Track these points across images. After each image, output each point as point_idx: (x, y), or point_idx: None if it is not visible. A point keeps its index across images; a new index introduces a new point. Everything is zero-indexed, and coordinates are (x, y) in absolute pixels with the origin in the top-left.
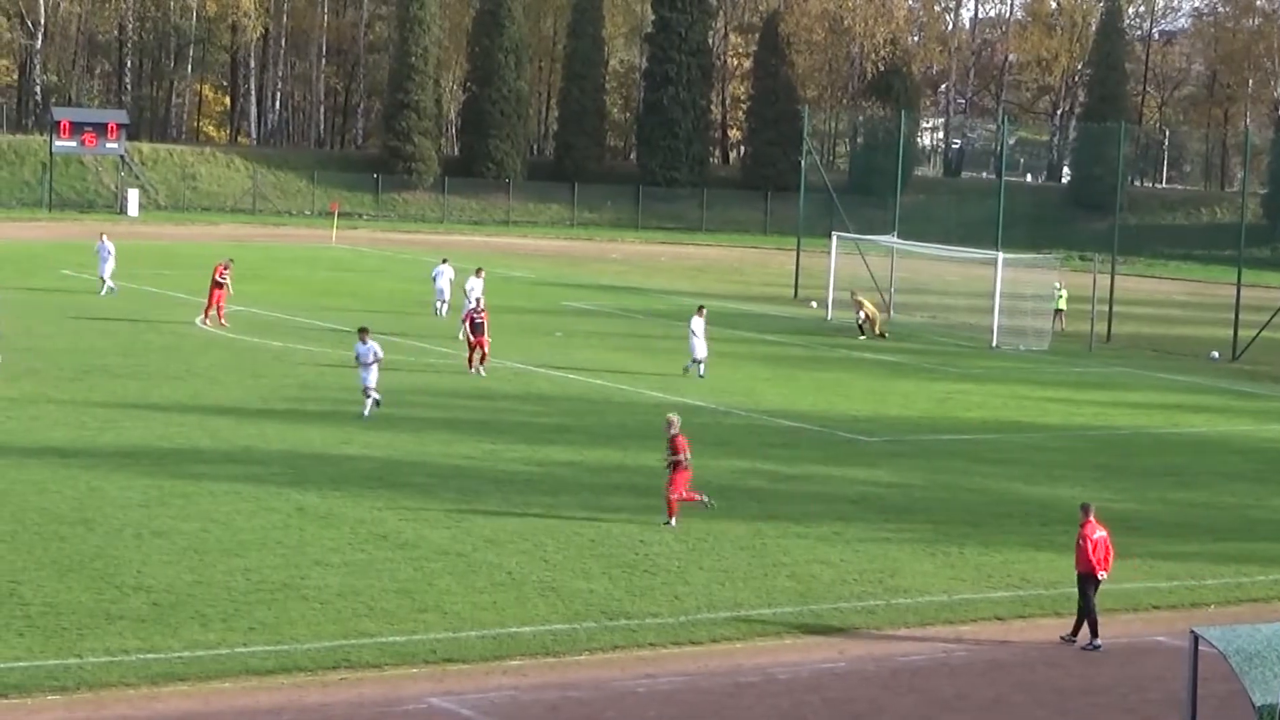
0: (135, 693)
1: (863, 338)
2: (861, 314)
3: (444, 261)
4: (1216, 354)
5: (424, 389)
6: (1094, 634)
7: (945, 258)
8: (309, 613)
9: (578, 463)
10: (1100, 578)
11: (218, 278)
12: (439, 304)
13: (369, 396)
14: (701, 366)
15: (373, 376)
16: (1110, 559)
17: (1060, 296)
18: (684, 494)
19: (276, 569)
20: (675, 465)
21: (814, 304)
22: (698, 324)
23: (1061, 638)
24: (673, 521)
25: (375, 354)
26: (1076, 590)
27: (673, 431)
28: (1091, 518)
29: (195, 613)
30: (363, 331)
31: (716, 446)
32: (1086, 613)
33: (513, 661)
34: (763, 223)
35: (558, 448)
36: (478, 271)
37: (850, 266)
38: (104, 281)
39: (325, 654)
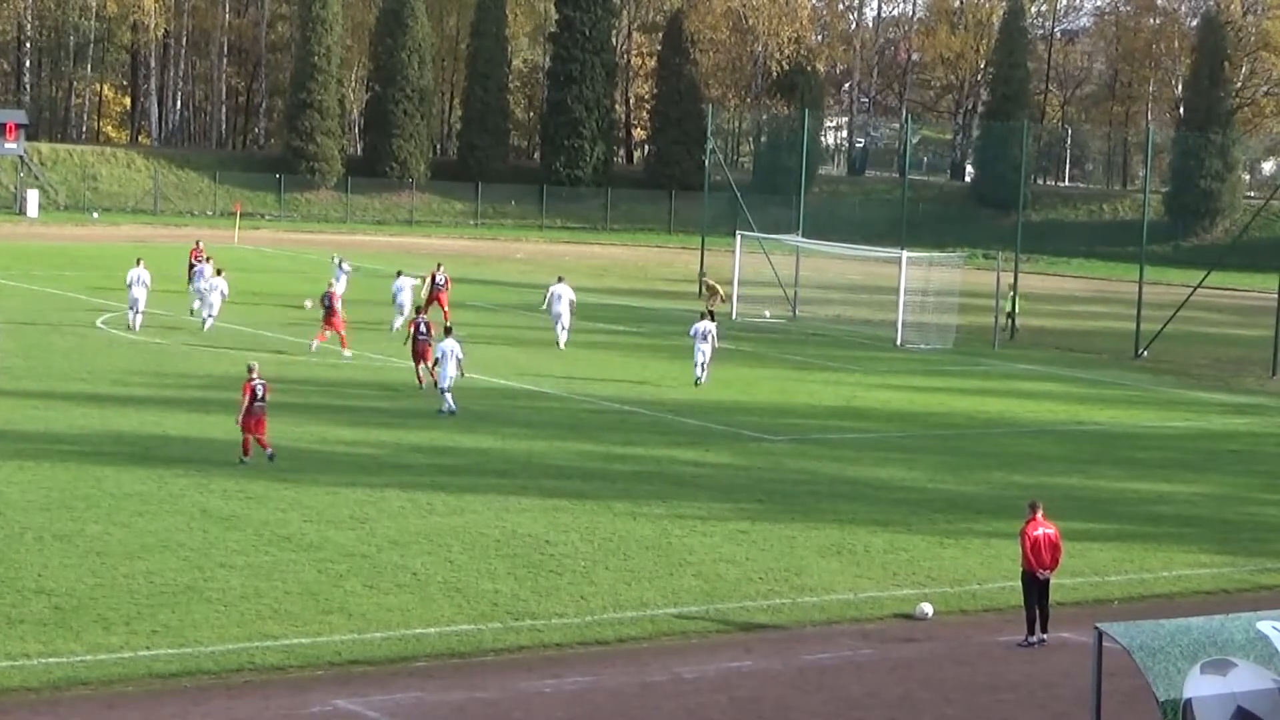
0: (37, 697)
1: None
2: (713, 298)
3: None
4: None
5: (326, 382)
6: (1029, 630)
7: (849, 256)
8: (213, 615)
9: (483, 463)
10: (1040, 576)
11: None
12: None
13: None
14: None
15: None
16: (1058, 558)
17: (1011, 298)
18: (257, 435)
19: (180, 571)
20: (246, 408)
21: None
22: None
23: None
24: (247, 460)
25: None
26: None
27: (249, 378)
28: (1037, 515)
29: (98, 616)
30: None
31: (623, 445)
32: (1026, 610)
33: (418, 663)
34: (667, 222)
35: (463, 448)
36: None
37: (755, 265)
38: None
39: (229, 656)
